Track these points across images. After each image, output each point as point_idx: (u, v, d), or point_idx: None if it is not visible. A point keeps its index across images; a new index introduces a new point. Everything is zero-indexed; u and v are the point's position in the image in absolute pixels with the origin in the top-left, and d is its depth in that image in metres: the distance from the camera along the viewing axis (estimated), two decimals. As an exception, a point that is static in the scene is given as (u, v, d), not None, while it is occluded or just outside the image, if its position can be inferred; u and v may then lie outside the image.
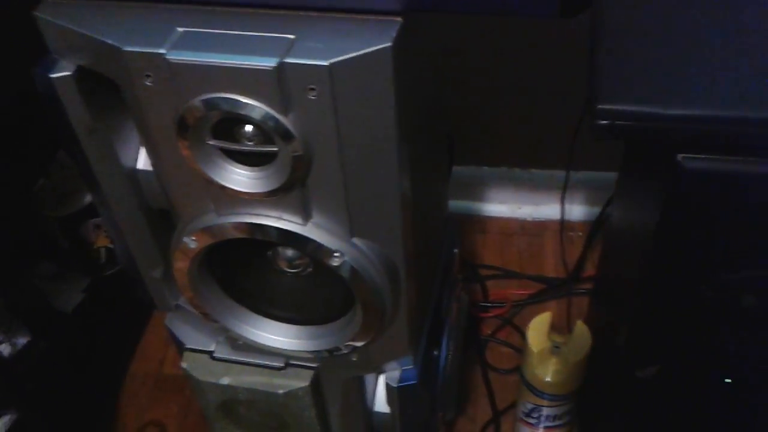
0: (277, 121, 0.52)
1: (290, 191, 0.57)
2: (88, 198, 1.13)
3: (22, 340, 1.02)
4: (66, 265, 1.17)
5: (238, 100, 0.51)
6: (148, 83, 0.53)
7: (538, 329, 0.84)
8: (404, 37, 0.50)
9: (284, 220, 0.59)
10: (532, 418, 0.91)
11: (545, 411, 0.89)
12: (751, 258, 0.61)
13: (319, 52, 0.49)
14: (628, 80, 0.55)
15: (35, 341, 1.02)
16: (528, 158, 1.30)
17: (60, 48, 0.58)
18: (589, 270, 1.23)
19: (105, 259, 1.19)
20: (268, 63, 0.49)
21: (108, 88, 0.57)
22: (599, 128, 0.55)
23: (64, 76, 0.58)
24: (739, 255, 0.61)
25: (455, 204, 1.31)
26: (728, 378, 0.70)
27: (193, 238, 0.62)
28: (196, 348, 0.78)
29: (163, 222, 0.70)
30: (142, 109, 0.56)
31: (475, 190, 1.36)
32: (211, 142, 0.55)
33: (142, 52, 0.52)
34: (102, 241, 1.19)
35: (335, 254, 0.60)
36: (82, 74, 0.58)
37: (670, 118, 0.53)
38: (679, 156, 0.54)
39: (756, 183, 0.55)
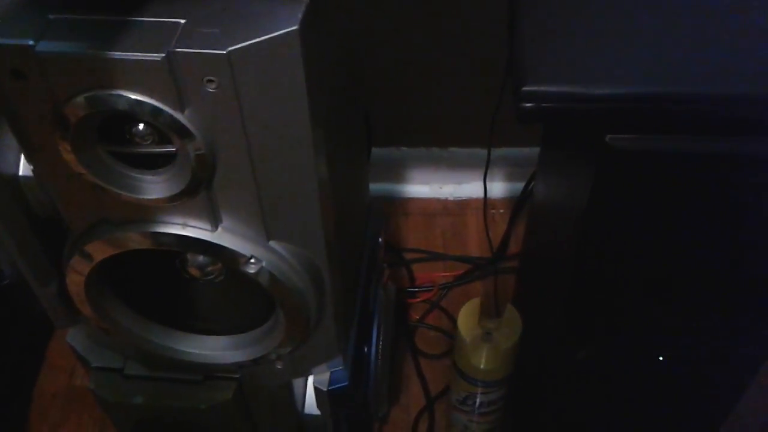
0: (171, 117, 0.46)
1: (195, 194, 0.51)
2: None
3: None
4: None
5: (124, 96, 0.45)
6: (17, 80, 0.46)
7: (468, 316, 0.82)
8: (311, 18, 0.45)
9: (191, 226, 0.53)
10: (467, 405, 0.89)
11: (479, 398, 0.87)
12: (681, 235, 0.60)
13: (215, 39, 0.43)
14: (551, 61, 0.52)
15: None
16: (447, 137, 1.28)
17: None
18: (514, 248, 1.22)
19: (2, 270, 1.09)
20: (156, 54, 0.43)
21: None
22: (525, 111, 0.51)
23: None
24: (669, 232, 0.59)
25: (375, 187, 1.27)
26: (661, 356, 0.70)
27: (87, 250, 0.56)
28: (104, 366, 0.71)
29: (54, 231, 0.63)
30: (14, 110, 0.48)
31: (395, 171, 1.33)
32: (99, 146, 0.49)
33: (8, 45, 0.44)
34: (-5, 250, 1.08)
35: (251, 261, 0.55)
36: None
37: (597, 97, 0.50)
38: (608, 136, 0.52)
39: (684, 159, 0.53)
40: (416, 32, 1.11)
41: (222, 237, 0.54)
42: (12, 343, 1.12)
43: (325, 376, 0.72)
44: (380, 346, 0.85)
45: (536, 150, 0.92)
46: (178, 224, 0.53)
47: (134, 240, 0.54)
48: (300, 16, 0.44)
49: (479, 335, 0.83)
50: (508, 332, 0.82)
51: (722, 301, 0.65)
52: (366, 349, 0.80)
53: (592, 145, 0.53)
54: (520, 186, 1.21)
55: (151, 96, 0.44)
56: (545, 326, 0.81)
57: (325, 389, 0.71)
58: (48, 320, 1.18)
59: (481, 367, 0.83)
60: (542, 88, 0.51)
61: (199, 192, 0.51)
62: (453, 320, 1.12)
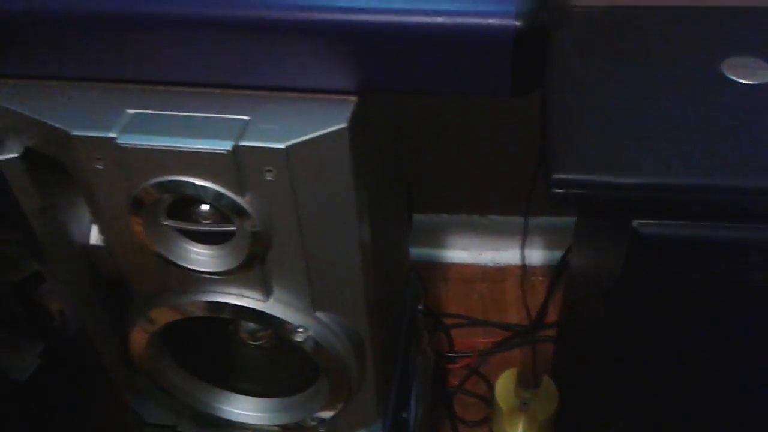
0: (233, 201, 0.51)
1: (250, 268, 0.56)
2: (41, 262, 1.09)
3: (-26, 412, 0.98)
4: (19, 331, 1.13)
5: (194, 183, 0.50)
6: (98, 167, 0.52)
7: (505, 386, 0.84)
8: (359, 115, 0.50)
9: (245, 297, 0.58)
10: (503, 473, 0.91)
11: (516, 466, 0.88)
12: (710, 317, 0.62)
13: (275, 135, 0.48)
14: (581, 150, 0.56)
15: (-10, 412, 0.98)
16: (486, 204, 1.31)
17: (6, 130, 0.56)
18: (552, 315, 1.24)
19: (60, 324, 1.16)
20: (224, 146, 0.48)
21: (58, 167, 0.56)
22: (555, 197, 0.55)
23: (11, 158, 0.56)
24: (698, 314, 0.61)
25: (416, 251, 1.31)
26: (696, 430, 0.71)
27: (151, 315, 0.61)
28: (158, 422, 0.75)
29: (118, 295, 0.68)
30: (93, 190, 0.54)
31: (435, 237, 1.37)
32: (166, 223, 0.54)
33: (92, 137, 0.50)
34: (56, 305, 1.15)
35: (299, 330, 0.59)
36: (30, 156, 0.57)
37: (624, 186, 0.54)
38: (635, 222, 0.55)
39: (711, 246, 0.56)
40: (457, 106, 1.16)
41: (273, 307, 0.59)
42: (68, 396, 1.17)
43: (365, 441, 0.74)
44: (419, 413, 0.87)
45: (574, 219, 0.95)
46: (233, 294, 0.58)
47: (194, 308, 0.59)
48: (349, 114, 0.49)
49: (516, 405, 0.84)
50: (544, 404, 0.84)
51: (754, 384, 0.66)
52: (405, 415, 0.82)
53: (621, 228, 0.57)
54: (558, 254, 1.24)
55: (217, 182, 0.50)
56: (580, 399, 0.83)
57: (364, 454, 0.74)
58: (102, 376, 1.23)
59: (517, 436, 0.85)
60: (571, 177, 0.55)
61: (253, 266, 0.56)
62: (492, 387, 1.13)
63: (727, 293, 0.59)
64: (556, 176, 0.55)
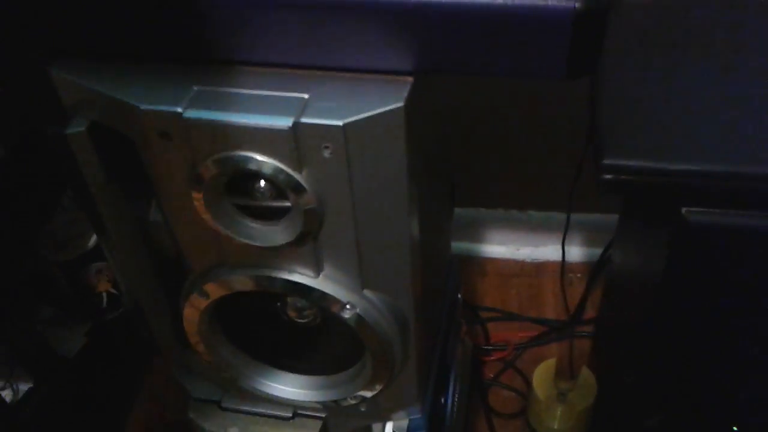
0: (291, 177, 0.53)
1: (303, 244, 0.58)
2: (90, 243, 1.13)
3: (24, 386, 1.02)
4: (68, 310, 1.17)
5: (254, 158, 0.52)
6: (164, 141, 0.54)
7: (543, 376, 0.85)
8: (415, 96, 0.51)
9: (297, 272, 0.60)
10: (538, 464, 0.91)
11: (551, 457, 0.89)
12: (755, 308, 0.62)
13: (333, 112, 0.50)
14: (631, 136, 0.57)
15: (37, 387, 1.02)
16: (526, 200, 1.32)
17: (74, 104, 0.59)
18: (590, 312, 1.24)
19: (107, 304, 1.19)
20: (284, 122, 0.50)
21: (121, 141, 0.58)
22: (605, 182, 0.56)
23: (79, 132, 0.59)
24: (744, 306, 0.61)
25: (455, 245, 1.32)
26: (735, 426, 0.70)
27: (205, 289, 0.63)
28: (204, 398, 0.78)
29: (173, 270, 0.71)
30: (157, 164, 0.56)
31: (474, 231, 1.37)
32: (226, 198, 0.56)
33: (159, 111, 0.53)
34: (104, 286, 1.18)
35: (347, 306, 0.60)
36: (95, 130, 0.59)
37: (674, 172, 0.54)
38: (684, 209, 0.56)
39: (760, 236, 0.56)
40: (500, 96, 1.16)
41: (322, 283, 0.60)
42: (113, 375, 1.21)
43: (404, 423, 0.76)
44: (456, 399, 0.89)
45: (614, 217, 0.96)
46: (285, 270, 0.60)
47: (246, 282, 0.61)
48: (405, 95, 0.50)
49: (554, 395, 0.85)
50: (582, 394, 0.84)
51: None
52: (443, 400, 0.84)
53: (668, 216, 0.57)
54: (597, 251, 1.24)
55: (276, 158, 0.52)
56: (619, 390, 0.83)
57: (403, 435, 0.75)
58: (145, 357, 1.27)
59: (555, 427, 0.85)
60: (621, 162, 0.55)
61: (306, 242, 0.57)
62: (526, 381, 1.14)
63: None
64: (606, 162, 0.55)
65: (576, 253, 1.33)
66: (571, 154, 0.95)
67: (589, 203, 1.22)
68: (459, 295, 0.97)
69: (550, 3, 0.43)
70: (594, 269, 1.25)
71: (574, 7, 0.42)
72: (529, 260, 1.36)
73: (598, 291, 1.24)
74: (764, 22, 0.65)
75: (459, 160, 1.19)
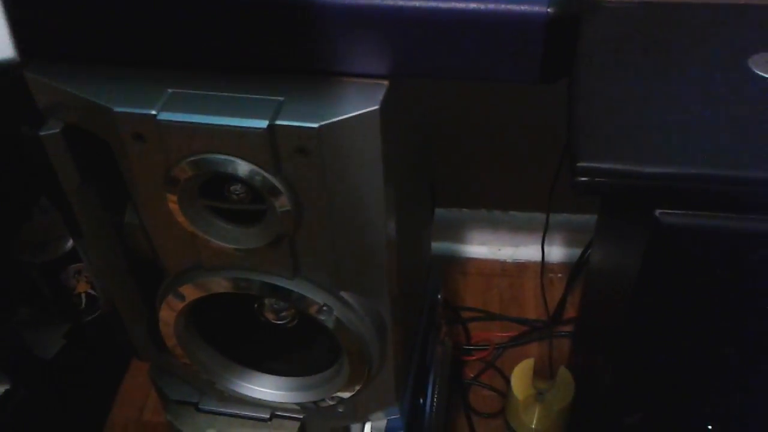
0: (266, 179, 0.53)
1: (279, 247, 0.58)
2: (68, 244, 1.12)
3: (1, 388, 1.01)
4: (46, 312, 1.16)
5: (229, 160, 0.52)
6: (138, 143, 0.53)
7: (521, 376, 0.85)
8: (390, 99, 0.51)
9: (274, 274, 0.60)
10: (517, 463, 0.92)
11: (530, 457, 0.89)
12: (731, 309, 0.62)
13: (308, 114, 0.50)
14: (606, 139, 0.57)
15: (15, 389, 1.01)
16: (507, 201, 1.32)
17: (49, 106, 0.58)
18: (570, 312, 1.25)
19: (85, 305, 1.18)
20: (260, 124, 0.50)
21: (96, 143, 0.58)
22: (580, 185, 0.56)
23: (53, 133, 0.58)
24: (718, 306, 0.62)
25: (436, 246, 1.32)
26: (710, 424, 0.71)
27: (181, 291, 0.63)
28: (181, 399, 0.77)
29: (149, 273, 0.70)
30: (131, 166, 0.56)
31: (455, 231, 1.38)
32: (201, 201, 0.56)
33: (133, 113, 0.52)
34: (82, 287, 1.18)
35: (324, 308, 0.60)
36: (70, 131, 0.59)
37: (648, 175, 0.55)
38: (657, 211, 0.56)
39: (732, 237, 0.57)
40: (480, 98, 1.17)
41: (299, 285, 0.60)
42: (91, 377, 1.20)
43: (382, 424, 0.76)
44: (435, 400, 0.89)
45: (594, 217, 0.96)
46: (261, 272, 0.60)
47: (222, 284, 0.61)
48: (380, 97, 0.50)
49: (532, 395, 0.86)
50: (560, 394, 0.85)
51: (771, 374, 0.67)
52: (421, 401, 0.84)
53: (642, 218, 0.58)
54: (577, 251, 1.25)
55: (251, 160, 0.52)
56: (597, 390, 0.84)
57: (381, 436, 0.75)
58: (123, 359, 1.26)
59: (533, 426, 0.86)
60: (595, 165, 0.56)
61: (283, 244, 0.57)
62: (507, 380, 1.15)
63: (748, 285, 0.59)
64: (580, 164, 0.56)
65: (556, 253, 1.34)
66: (551, 156, 0.96)
67: (568, 204, 1.23)
68: (439, 296, 0.97)
69: (522, 8, 0.43)
70: (574, 269, 1.26)
71: (547, 12, 0.43)
72: (510, 260, 1.37)
73: (578, 291, 1.25)
74: (744, 30, 0.66)
75: (441, 162, 1.20)
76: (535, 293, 1.30)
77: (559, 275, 1.32)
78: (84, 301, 1.18)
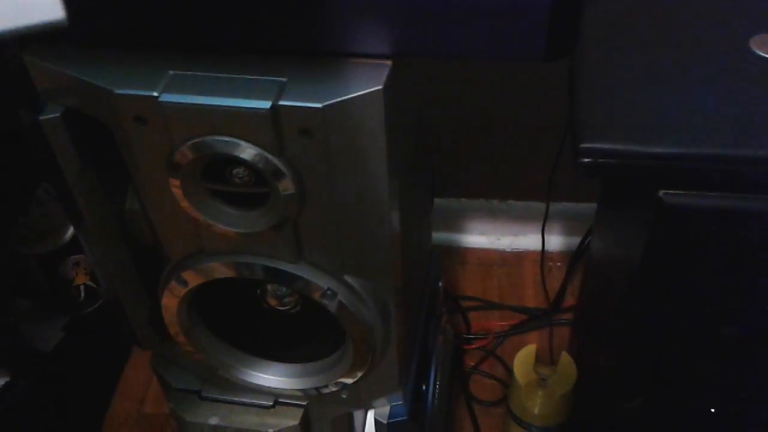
0: (270, 161, 0.52)
1: (282, 230, 0.57)
2: (67, 235, 1.12)
3: (0, 381, 1.00)
4: (44, 304, 1.15)
5: (232, 142, 0.51)
6: (139, 125, 0.53)
7: (523, 362, 0.85)
8: (394, 79, 0.51)
9: (277, 259, 0.59)
10: (519, 450, 0.92)
11: (532, 443, 0.89)
12: (734, 290, 0.62)
13: (312, 95, 0.50)
14: (609, 119, 0.57)
15: (14, 381, 1.01)
16: (506, 190, 1.32)
17: (48, 90, 0.58)
18: (570, 300, 1.25)
19: (84, 297, 1.18)
20: (263, 105, 0.49)
21: (97, 128, 0.58)
22: (583, 166, 0.56)
23: (53, 117, 0.58)
24: (722, 287, 0.62)
25: (435, 236, 1.32)
26: (713, 408, 0.71)
27: (184, 277, 0.62)
28: (184, 387, 0.77)
29: (151, 260, 0.70)
30: (133, 150, 0.56)
31: (455, 221, 1.38)
32: (204, 184, 0.56)
33: (134, 95, 0.52)
34: (81, 279, 1.17)
35: (327, 292, 0.60)
36: (70, 116, 0.58)
37: (651, 155, 0.55)
38: (661, 192, 0.56)
39: (737, 218, 0.56)
40: (479, 88, 1.17)
41: (302, 269, 0.60)
42: (90, 369, 1.20)
43: (386, 410, 0.76)
44: (437, 387, 0.89)
45: (593, 205, 0.96)
46: (265, 256, 0.60)
47: (226, 269, 0.61)
48: (384, 78, 0.50)
49: (534, 380, 0.86)
50: (562, 379, 0.85)
51: (774, 356, 0.67)
52: (424, 388, 0.84)
53: (646, 200, 0.57)
54: (576, 240, 1.25)
55: (254, 142, 0.51)
56: (599, 375, 0.84)
57: (385, 422, 0.75)
58: (123, 351, 1.26)
59: (536, 411, 0.86)
60: (598, 145, 0.56)
61: (286, 228, 0.57)
62: (507, 369, 1.15)
63: (752, 266, 0.59)
64: (583, 145, 0.56)
65: (555, 242, 1.34)
66: (550, 145, 0.96)
67: (568, 193, 1.23)
68: (440, 284, 0.97)
69: (528, -17, 0.43)
70: (573, 258, 1.26)
71: (552, -13, 0.43)
72: (509, 249, 1.37)
73: (578, 279, 1.25)
74: (746, 11, 0.66)
75: (440, 151, 1.19)
76: (534, 282, 1.30)
77: (558, 264, 1.32)
78: (83, 293, 1.17)
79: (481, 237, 1.38)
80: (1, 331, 1.02)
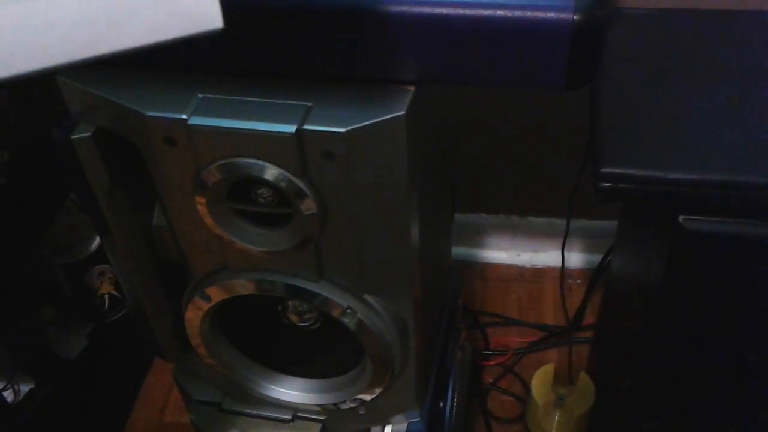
0: (293, 183, 0.53)
1: (304, 249, 0.58)
2: (93, 246, 1.14)
3: (25, 387, 1.02)
4: (69, 312, 1.17)
5: (257, 164, 0.53)
6: (168, 147, 0.55)
7: (542, 381, 0.85)
8: (416, 104, 0.52)
9: (298, 277, 0.61)
10: (536, 469, 0.92)
11: (549, 462, 0.89)
12: (753, 314, 0.62)
13: (336, 119, 0.51)
14: (629, 145, 0.58)
15: (38, 388, 1.03)
16: (526, 206, 1.32)
17: (80, 110, 0.59)
18: (589, 318, 1.24)
19: (108, 306, 1.20)
20: (288, 129, 0.51)
21: (126, 147, 0.59)
22: (603, 190, 0.57)
23: (84, 137, 0.60)
24: (740, 311, 0.62)
25: (455, 251, 1.32)
26: (733, 430, 0.71)
27: (207, 293, 0.64)
28: (204, 399, 0.78)
29: (176, 274, 0.71)
30: (161, 169, 0.57)
31: (475, 236, 1.38)
32: (229, 204, 0.57)
33: (164, 117, 0.53)
34: (105, 288, 1.19)
35: (347, 310, 0.61)
36: (100, 135, 0.60)
37: (672, 181, 0.55)
38: (681, 217, 0.56)
39: (756, 243, 0.57)
40: (500, 105, 1.17)
41: (324, 288, 0.61)
42: (112, 378, 1.22)
43: (402, 427, 0.76)
44: (455, 403, 0.89)
45: (614, 223, 0.96)
46: (287, 274, 0.61)
47: (248, 286, 0.62)
48: (407, 103, 0.51)
49: (552, 400, 0.86)
50: (580, 399, 0.85)
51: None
52: (442, 404, 0.84)
53: (666, 224, 0.58)
54: (597, 257, 1.24)
55: (279, 164, 0.52)
56: (617, 396, 0.84)
57: (402, 438, 0.76)
58: (144, 360, 1.27)
59: (553, 431, 0.86)
60: (619, 171, 0.56)
61: (308, 247, 0.58)
62: (525, 386, 1.15)
63: (770, 292, 0.59)
64: (604, 170, 0.56)
65: (576, 259, 1.34)
66: (571, 161, 0.96)
67: (589, 210, 1.23)
68: (459, 300, 0.97)
69: (549, 15, 0.44)
70: (594, 275, 1.26)
71: (573, 19, 0.43)
72: (529, 266, 1.37)
73: (598, 297, 1.25)
74: (763, 36, 0.66)
75: (460, 166, 1.20)
76: (554, 299, 1.30)
77: (579, 281, 1.32)
78: (107, 302, 1.20)
79: (501, 252, 1.38)
80: (27, 339, 1.04)
